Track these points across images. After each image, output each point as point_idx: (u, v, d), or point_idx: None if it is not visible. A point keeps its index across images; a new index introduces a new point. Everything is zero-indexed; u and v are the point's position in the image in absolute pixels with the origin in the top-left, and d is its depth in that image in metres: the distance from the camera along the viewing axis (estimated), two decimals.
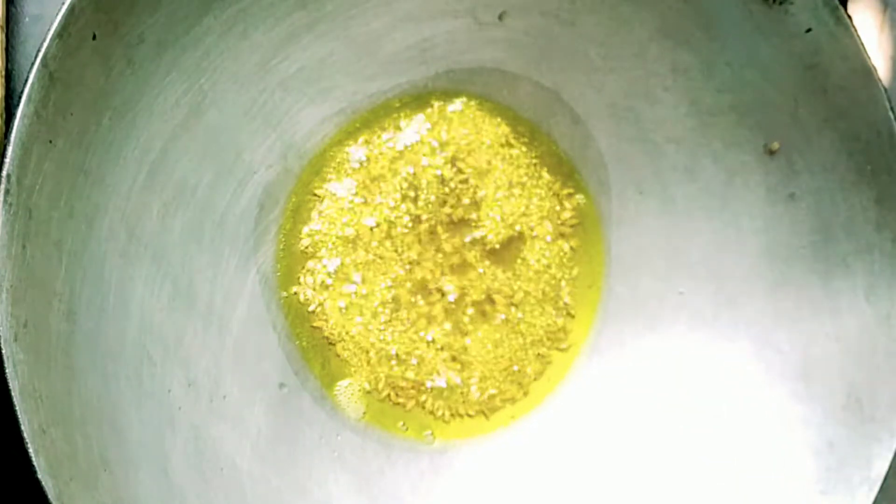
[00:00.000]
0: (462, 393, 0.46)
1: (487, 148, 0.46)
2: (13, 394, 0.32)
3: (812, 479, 0.41)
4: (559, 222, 0.47)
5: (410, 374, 0.46)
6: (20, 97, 0.32)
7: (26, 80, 0.32)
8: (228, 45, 0.40)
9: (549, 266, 0.47)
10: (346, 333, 0.45)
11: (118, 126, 0.37)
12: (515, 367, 0.47)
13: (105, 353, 0.37)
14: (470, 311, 0.46)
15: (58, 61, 0.33)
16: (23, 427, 0.32)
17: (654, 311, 0.46)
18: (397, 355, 0.46)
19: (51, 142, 0.33)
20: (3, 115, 0.41)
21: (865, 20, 0.45)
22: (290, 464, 0.42)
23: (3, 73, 0.42)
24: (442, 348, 0.46)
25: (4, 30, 0.42)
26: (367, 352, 0.45)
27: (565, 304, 0.47)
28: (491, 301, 0.46)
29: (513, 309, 0.47)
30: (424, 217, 0.46)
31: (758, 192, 0.44)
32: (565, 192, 0.47)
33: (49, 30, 0.33)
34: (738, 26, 0.41)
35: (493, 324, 0.46)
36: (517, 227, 0.47)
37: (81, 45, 0.34)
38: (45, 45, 0.32)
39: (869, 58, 0.40)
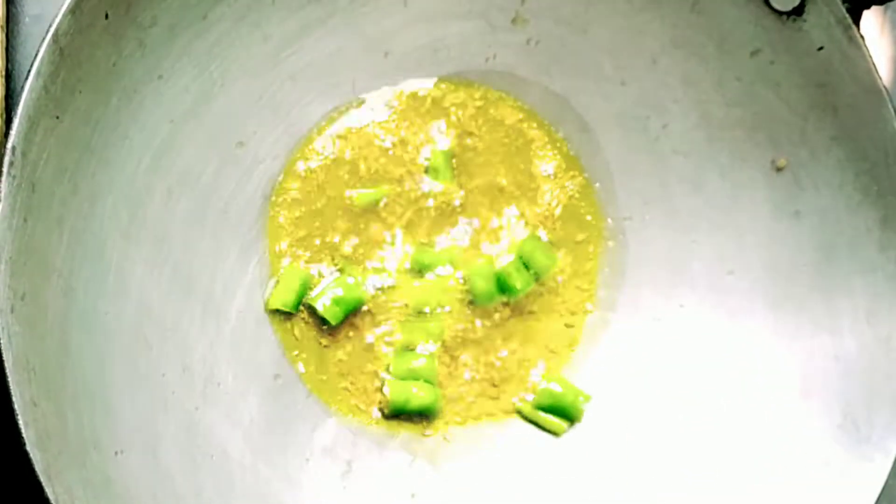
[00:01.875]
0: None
1: (489, 156, 0.46)
2: (6, 365, 0.32)
3: (804, 497, 0.41)
4: (558, 231, 0.46)
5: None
6: (28, 74, 0.33)
7: (36, 54, 0.32)
8: (241, 33, 0.40)
9: (547, 278, 0.46)
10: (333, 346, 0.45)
11: (126, 107, 0.37)
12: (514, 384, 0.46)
13: (101, 332, 0.37)
14: (467, 327, 0.46)
15: (69, 37, 0.33)
16: (14, 399, 0.32)
17: (653, 322, 0.46)
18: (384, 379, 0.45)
19: (58, 117, 0.34)
20: (3, 116, 0.41)
21: (866, 21, 0.45)
22: (281, 454, 0.42)
23: (3, 73, 0.42)
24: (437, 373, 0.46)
25: (4, 30, 0.42)
26: (353, 372, 0.45)
27: (565, 314, 0.47)
28: (487, 317, 0.46)
29: (512, 327, 0.46)
30: (423, 227, 0.46)
31: (763, 208, 0.44)
32: (567, 200, 0.46)
33: (62, 5, 0.33)
34: (751, 41, 0.41)
35: (492, 341, 0.46)
36: (516, 238, 0.46)
37: (94, 23, 0.34)
38: (58, 20, 0.33)
39: (880, 78, 0.40)
